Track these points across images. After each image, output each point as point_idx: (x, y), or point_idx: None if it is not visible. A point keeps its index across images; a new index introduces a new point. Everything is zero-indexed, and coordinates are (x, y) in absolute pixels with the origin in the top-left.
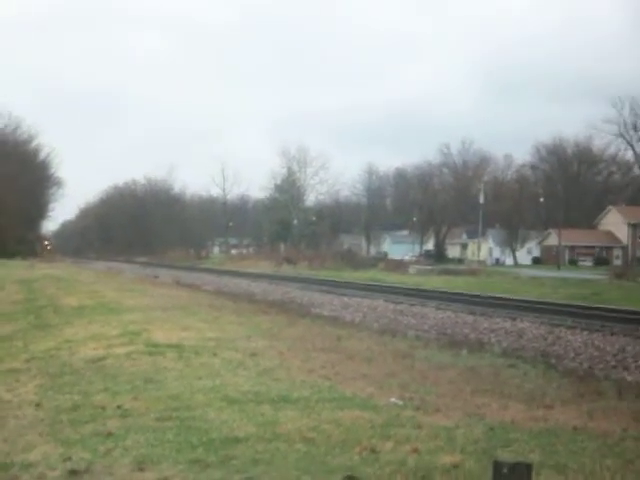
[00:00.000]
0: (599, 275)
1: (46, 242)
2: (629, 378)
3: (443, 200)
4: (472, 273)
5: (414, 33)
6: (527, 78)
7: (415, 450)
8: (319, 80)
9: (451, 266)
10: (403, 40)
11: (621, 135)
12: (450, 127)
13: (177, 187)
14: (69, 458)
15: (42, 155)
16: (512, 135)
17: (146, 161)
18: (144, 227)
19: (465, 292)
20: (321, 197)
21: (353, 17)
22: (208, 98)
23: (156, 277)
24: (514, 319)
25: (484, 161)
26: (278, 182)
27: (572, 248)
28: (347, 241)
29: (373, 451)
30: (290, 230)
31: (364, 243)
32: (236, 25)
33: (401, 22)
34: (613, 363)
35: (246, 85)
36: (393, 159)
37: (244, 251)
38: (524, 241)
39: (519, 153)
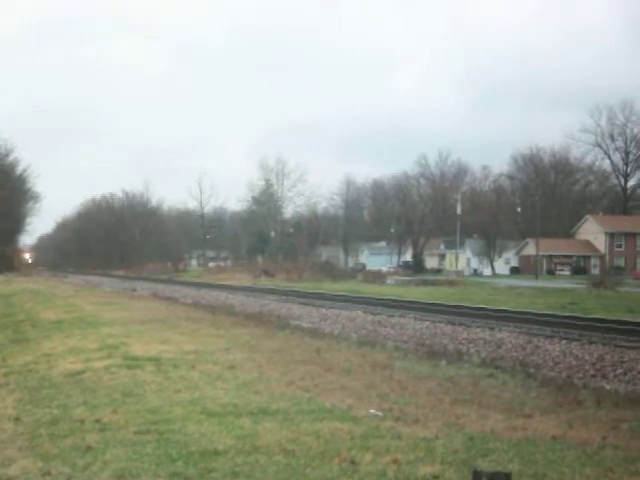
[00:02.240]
0: (577, 284)
1: (27, 255)
2: (608, 387)
3: (421, 211)
4: (450, 284)
5: (394, 47)
6: (505, 89)
7: (395, 461)
8: (299, 93)
9: (429, 277)
10: (383, 53)
11: (598, 145)
12: (428, 139)
13: (154, 200)
14: (48, 472)
15: (19, 169)
16: (490, 146)
17: (123, 175)
18: (122, 241)
19: (443, 303)
20: (299, 209)
21: (335, 31)
22: (185, 111)
23: (134, 290)
24: (493, 329)
25: (461, 172)
26: (256, 194)
27: (550, 257)
28: (325, 253)
29: (353, 462)
30: (268, 242)
31: (342, 255)
32: (216, 40)
33: (382, 35)
34: (592, 372)
35: (224, 99)
36: (371, 171)
37: (222, 264)
38: (502, 251)
39: (497, 164)
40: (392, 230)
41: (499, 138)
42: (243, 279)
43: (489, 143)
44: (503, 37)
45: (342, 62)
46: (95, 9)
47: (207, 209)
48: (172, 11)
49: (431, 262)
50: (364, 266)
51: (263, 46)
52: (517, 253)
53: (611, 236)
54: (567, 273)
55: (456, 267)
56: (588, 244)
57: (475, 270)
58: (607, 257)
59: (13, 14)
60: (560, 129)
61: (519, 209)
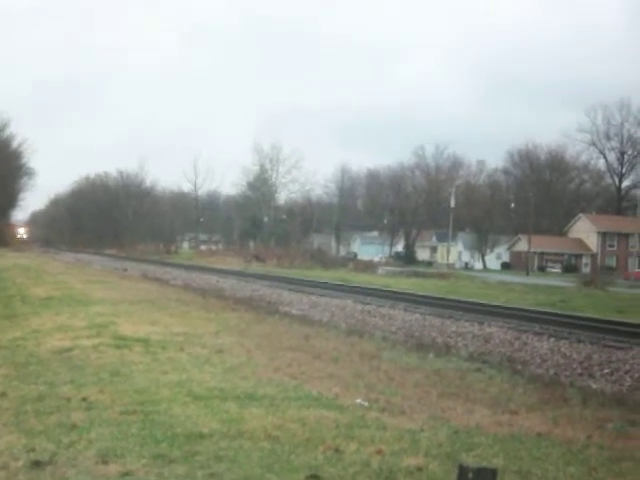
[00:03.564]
0: (567, 282)
1: (21, 230)
2: (594, 386)
3: (414, 202)
4: (441, 276)
5: (399, 36)
6: (508, 85)
7: (379, 451)
8: (302, 79)
9: (420, 269)
10: (389, 44)
11: (593, 144)
12: (428, 131)
13: (149, 181)
14: (33, 449)
15: (14, 144)
16: (488, 141)
17: (118, 154)
18: (114, 220)
19: (433, 295)
20: (293, 196)
21: (343, 18)
22: (185, 92)
23: (125, 270)
24: (482, 323)
25: (457, 165)
26: (250, 179)
27: (541, 254)
28: (317, 240)
29: (337, 451)
30: (260, 228)
31: (334, 243)
32: (221, 22)
33: (388, 26)
34: (579, 371)
35: (225, 81)
36: (369, 160)
37: (213, 247)
38: (494, 246)
39: (493, 159)
40: (385, 220)
41: (497, 133)
42: (234, 263)
43: (487, 138)
44: (509, 32)
45: (347, 50)
46: None
47: (201, 192)
48: None
49: (423, 254)
50: (355, 255)
51: (267, 30)
52: (509, 248)
53: (603, 235)
54: (558, 271)
55: (447, 260)
56: (580, 243)
57: (466, 264)
58: (599, 256)
59: None
60: (560, 127)
61: (513, 205)
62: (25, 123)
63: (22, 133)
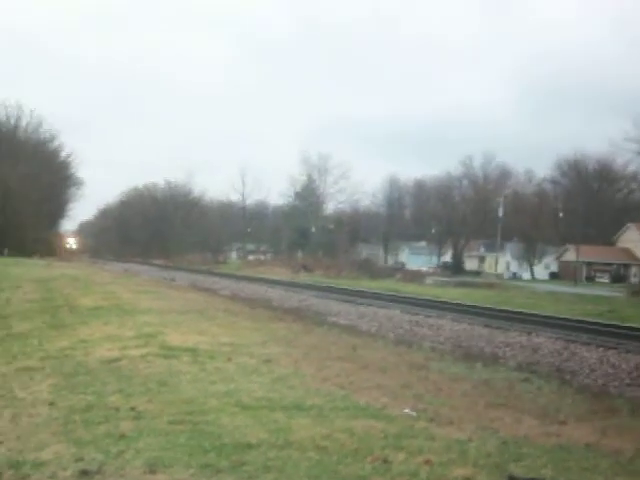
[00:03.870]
0: (616, 292)
1: (72, 240)
2: None
3: (462, 212)
4: (489, 286)
5: (447, 45)
6: (554, 95)
7: (427, 462)
8: (346, 90)
9: (468, 279)
10: (438, 52)
11: None
12: (474, 140)
13: (196, 191)
14: (81, 458)
15: (63, 155)
16: (536, 151)
17: (166, 165)
18: (162, 230)
19: (481, 305)
20: (340, 206)
21: (388, 27)
22: (231, 104)
23: (173, 280)
24: (530, 333)
25: (505, 174)
26: (298, 189)
27: (589, 264)
28: (365, 250)
29: (385, 461)
30: (308, 238)
31: (382, 253)
32: (274, 33)
33: (434, 35)
34: (627, 381)
35: (270, 92)
36: (416, 170)
37: (261, 257)
38: (542, 256)
39: (541, 167)
40: (433, 230)
41: (545, 142)
42: (282, 273)
43: (535, 147)
44: (560, 44)
45: (395, 61)
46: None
47: (249, 202)
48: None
49: (470, 264)
50: (403, 265)
51: (315, 41)
52: (557, 258)
53: None
54: (606, 280)
55: (495, 270)
56: (629, 252)
57: (514, 274)
58: None
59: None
60: (608, 137)
61: (561, 214)
62: (75, 135)
63: (71, 143)
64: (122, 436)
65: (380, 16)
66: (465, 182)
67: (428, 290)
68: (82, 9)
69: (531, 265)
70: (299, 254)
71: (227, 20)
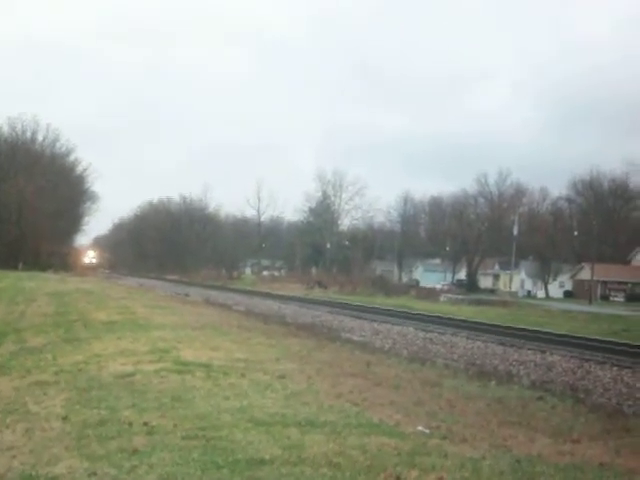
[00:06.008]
0: (631, 311)
1: (91, 253)
2: None
3: (477, 230)
4: (503, 304)
5: (464, 67)
6: (569, 113)
7: (441, 479)
8: (363, 107)
9: (483, 296)
10: (452, 72)
11: None
12: (489, 158)
13: (211, 206)
14: (94, 473)
15: (79, 169)
16: (551, 169)
17: (182, 179)
18: (177, 245)
19: (496, 323)
20: (355, 222)
21: (405, 46)
22: (246, 119)
23: (187, 295)
24: (544, 352)
25: (520, 193)
26: (313, 205)
27: (604, 283)
28: (379, 267)
29: (398, 479)
30: (322, 254)
31: (396, 270)
32: (291, 47)
33: (450, 54)
34: None
35: (286, 108)
36: (432, 188)
37: (276, 273)
38: (556, 274)
39: (556, 187)
40: (447, 248)
41: (561, 161)
42: (296, 289)
43: (550, 165)
44: (574, 62)
45: (412, 79)
46: (178, 14)
47: (264, 218)
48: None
49: (485, 282)
50: (418, 282)
51: (331, 59)
52: (572, 277)
53: None
54: (621, 299)
55: (510, 288)
56: None
57: (529, 292)
58: None
59: (92, 13)
60: (624, 155)
61: (576, 233)
62: (90, 149)
63: (87, 158)
64: (135, 451)
65: (397, 36)
66: (480, 200)
67: (442, 308)
68: (100, 26)
69: (545, 283)
70: (313, 270)
71: (246, 33)
